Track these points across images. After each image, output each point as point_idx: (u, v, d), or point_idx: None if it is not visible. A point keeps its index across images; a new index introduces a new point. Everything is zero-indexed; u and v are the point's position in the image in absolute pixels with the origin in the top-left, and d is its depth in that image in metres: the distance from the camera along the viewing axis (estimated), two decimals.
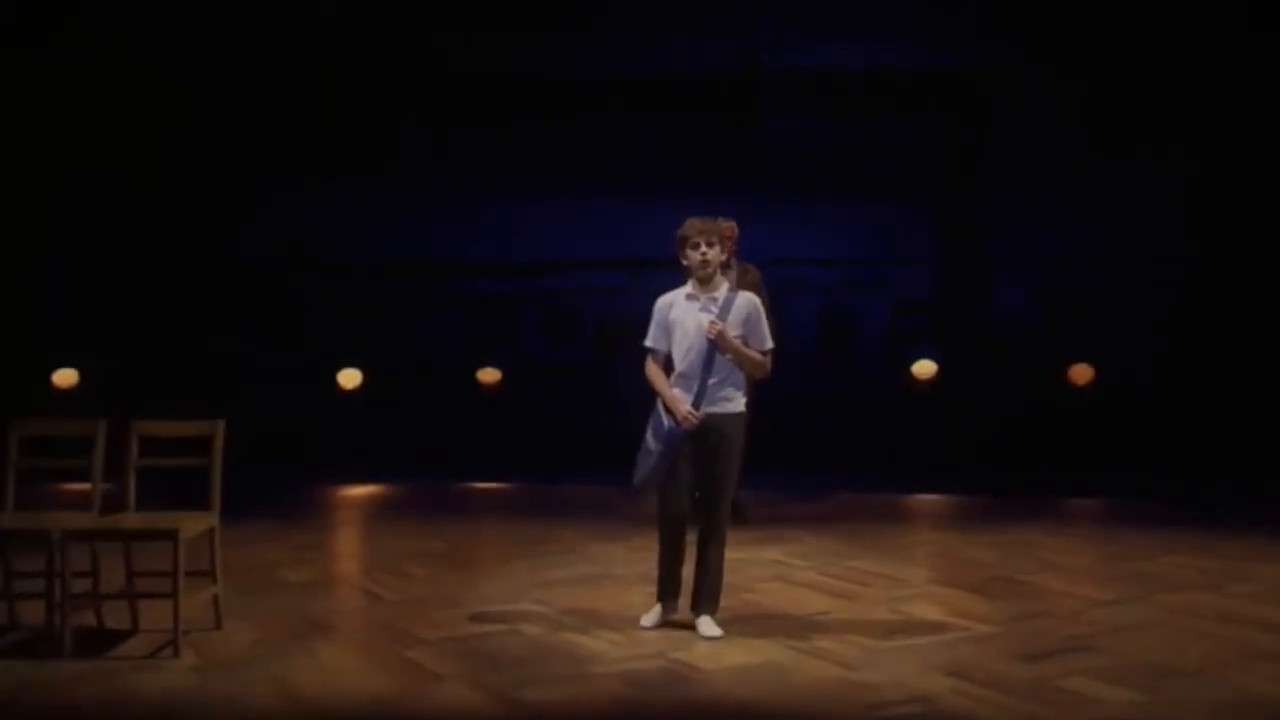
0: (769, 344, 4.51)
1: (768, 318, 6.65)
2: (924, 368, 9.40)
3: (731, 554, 5.64)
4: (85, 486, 4.66)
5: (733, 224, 6.71)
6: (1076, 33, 8.71)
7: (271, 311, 9.60)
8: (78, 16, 8.40)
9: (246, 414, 8.50)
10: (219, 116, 8.93)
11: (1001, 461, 8.73)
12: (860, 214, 9.41)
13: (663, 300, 4.56)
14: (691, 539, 4.58)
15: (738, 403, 4.49)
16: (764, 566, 5.74)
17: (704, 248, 4.44)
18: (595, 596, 5.14)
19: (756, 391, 6.58)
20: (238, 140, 8.94)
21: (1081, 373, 9.20)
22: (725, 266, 6.57)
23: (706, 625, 4.53)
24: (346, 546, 6.73)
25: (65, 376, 9.34)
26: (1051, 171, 9.01)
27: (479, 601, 5.08)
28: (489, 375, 9.79)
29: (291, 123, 9.04)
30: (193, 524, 4.46)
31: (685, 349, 4.46)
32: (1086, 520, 7.29)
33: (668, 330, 4.50)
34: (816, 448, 8.81)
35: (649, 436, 4.43)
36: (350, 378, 9.67)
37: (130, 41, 8.49)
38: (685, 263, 4.49)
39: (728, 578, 5.18)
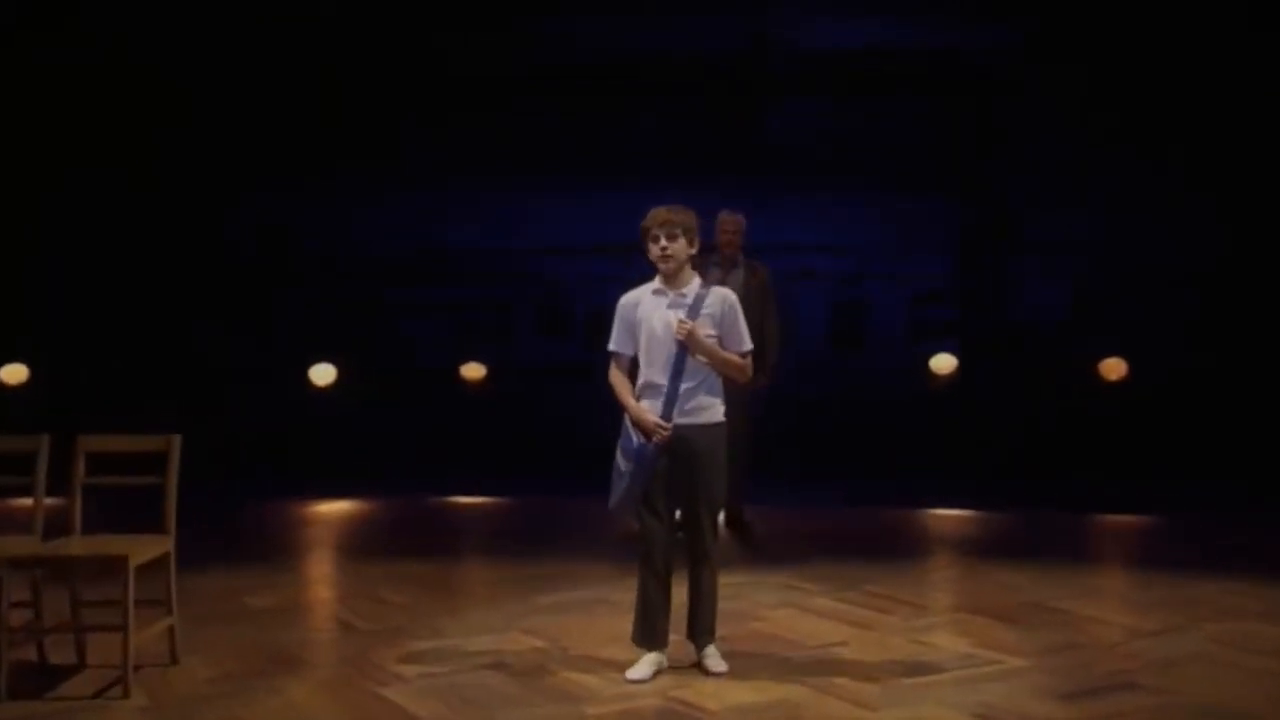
0: (747, 345, 4.38)
1: (774, 319, 6.73)
2: (943, 363, 9.32)
3: (738, 577, 5.74)
4: (28, 502, 4.54)
5: (739, 218, 6.66)
6: (1111, 11, 8.65)
7: (243, 307, 9.55)
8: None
9: (212, 419, 8.51)
10: (211, 108, 9.08)
11: (1029, 470, 8.67)
12: (875, 203, 9.33)
13: (627, 298, 4.40)
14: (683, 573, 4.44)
15: (714, 411, 4.34)
16: (773, 591, 5.64)
17: (664, 241, 4.27)
18: (589, 625, 5.05)
19: (762, 394, 6.59)
20: (226, 131, 9.07)
21: (1113, 367, 9.11)
22: (732, 264, 6.61)
23: (710, 658, 4.41)
24: (318, 570, 6.61)
25: (14, 373, 9.26)
26: (1080, 160, 8.96)
27: (462, 631, 4.99)
28: (473, 372, 9.70)
29: (278, 111, 9.10)
30: (145, 548, 4.34)
31: (653, 352, 4.30)
32: (1123, 538, 7.21)
33: (633, 331, 4.35)
34: (828, 454, 8.75)
35: (619, 456, 4.29)
36: (323, 374, 9.56)
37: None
38: (650, 257, 4.35)
39: (733, 604, 5.18)
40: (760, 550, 6.57)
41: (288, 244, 9.60)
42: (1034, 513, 7.69)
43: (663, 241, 4.27)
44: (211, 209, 9.32)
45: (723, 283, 6.44)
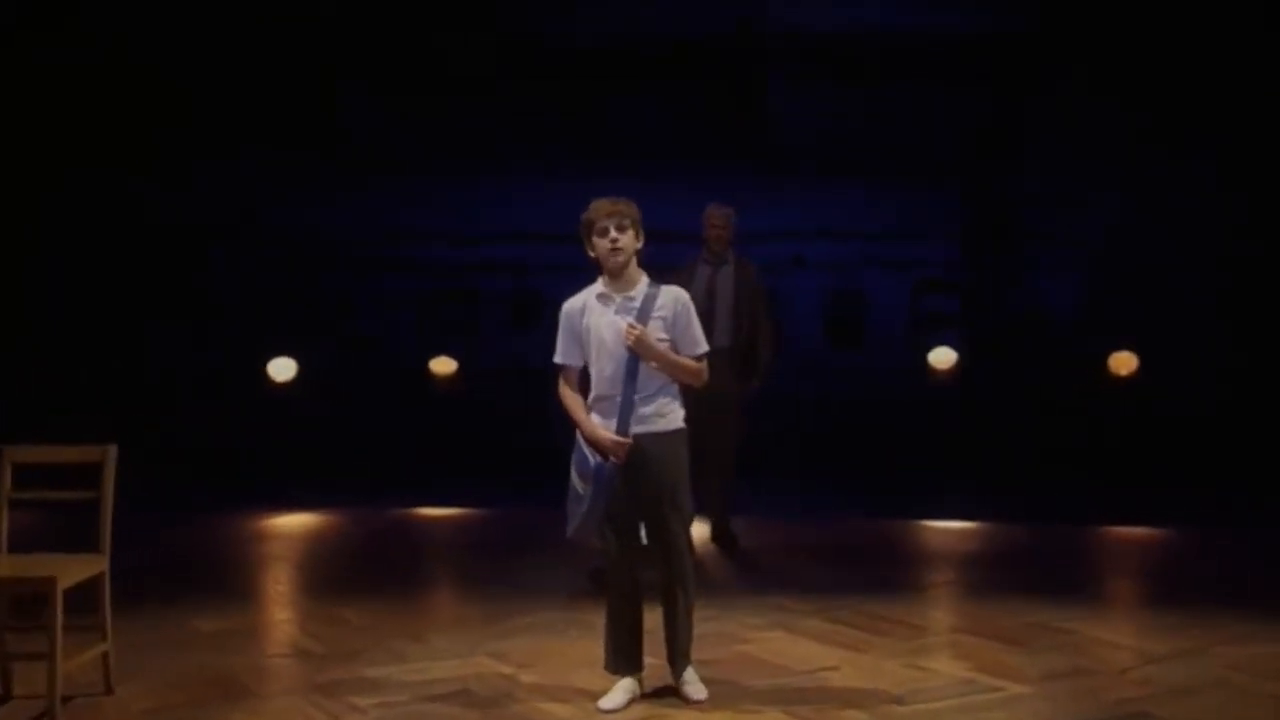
0: (702, 347, 4.27)
1: (767, 318, 6.65)
2: (942, 357, 9.25)
3: (723, 595, 5.68)
4: None
5: (728, 211, 6.63)
6: None
7: (197, 301, 9.50)
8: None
9: (158, 423, 8.41)
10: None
11: (1034, 476, 8.64)
12: (876, 190, 9.33)
13: (570, 305, 4.27)
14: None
15: (673, 418, 4.23)
16: (760, 610, 5.56)
17: (614, 232, 4.14)
18: (561, 648, 4.97)
19: (752, 397, 6.50)
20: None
21: (1123, 362, 9.06)
22: (721, 260, 6.57)
23: (689, 684, 4.31)
24: (272, 589, 6.45)
25: None
26: (1090, 147, 8.94)
27: (425, 656, 4.90)
28: (443, 366, 9.57)
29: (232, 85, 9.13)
30: (77, 569, 4.21)
31: (603, 362, 4.18)
32: (1136, 553, 7.13)
33: (580, 340, 4.23)
34: (822, 460, 8.71)
35: (574, 478, 4.17)
36: (282, 370, 9.41)
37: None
38: (592, 254, 4.21)
39: (717, 625, 5.14)
40: (747, 565, 6.50)
41: (243, 232, 9.57)
42: (1040, 525, 7.62)
43: (612, 233, 4.14)
44: (163, 195, 9.31)
45: (713, 280, 6.52)
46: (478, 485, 8.76)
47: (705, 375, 4.29)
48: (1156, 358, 9.00)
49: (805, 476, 8.59)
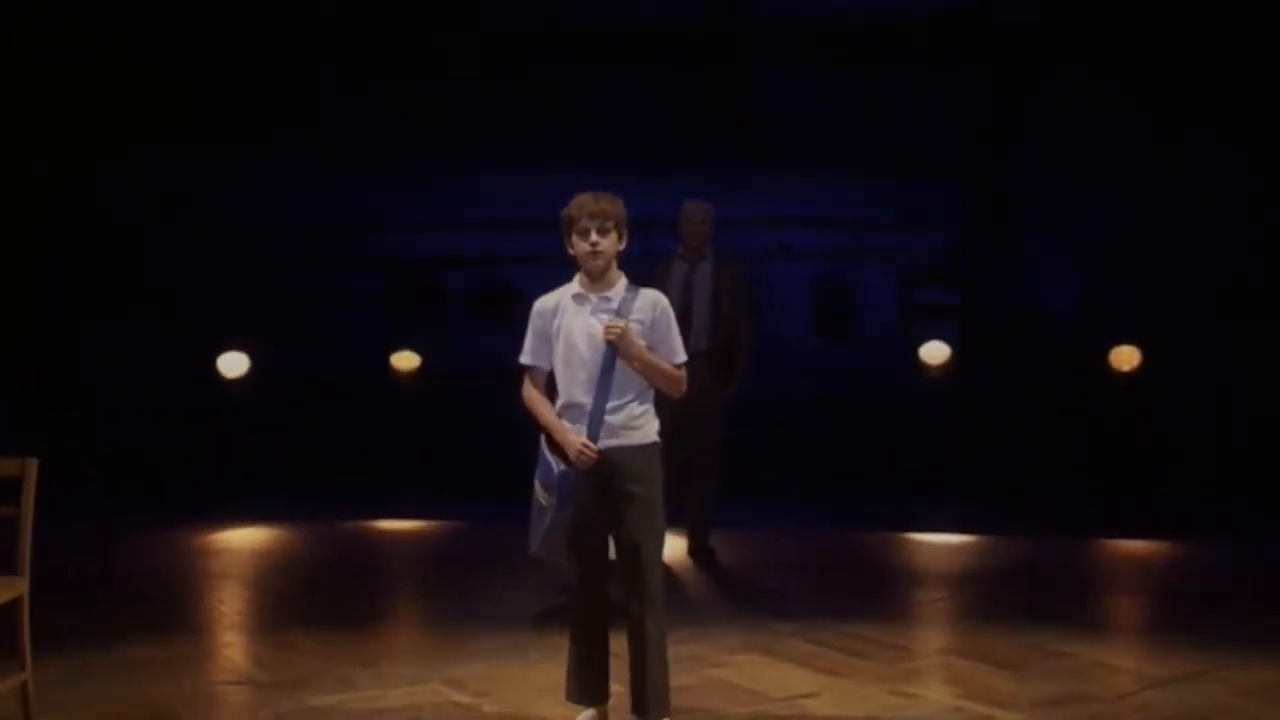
0: (680, 356, 4.20)
1: (748, 320, 6.63)
2: (935, 352, 9.18)
3: (697, 615, 5.61)
4: None
5: (707, 206, 6.63)
6: None
7: (135, 289, 9.39)
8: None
9: (90, 430, 8.28)
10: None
11: (1031, 482, 8.62)
12: (868, 177, 9.30)
13: (542, 303, 4.20)
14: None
15: (647, 430, 4.15)
16: (736, 632, 5.51)
17: (595, 235, 4.06)
18: (522, 674, 4.90)
19: (730, 404, 6.44)
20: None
21: (1125, 357, 9.00)
22: (699, 257, 6.55)
23: None
24: (214, 611, 6.32)
25: None
26: (1093, 135, 8.92)
27: (376, 683, 4.82)
28: (406, 362, 9.46)
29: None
30: None
31: (573, 366, 4.10)
32: (1139, 567, 7.12)
33: (550, 341, 4.16)
34: (806, 466, 8.67)
35: (537, 489, 4.10)
36: (233, 365, 9.25)
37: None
38: (571, 251, 4.14)
39: (690, 648, 5.08)
40: (724, 582, 6.45)
41: (190, 219, 9.49)
42: (1037, 537, 7.60)
43: (593, 235, 4.05)
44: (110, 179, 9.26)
45: (689, 278, 6.49)
46: (443, 495, 8.68)
47: (683, 385, 4.22)
48: (1159, 353, 8.95)
49: (788, 484, 8.53)
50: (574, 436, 4.04)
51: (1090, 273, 9.29)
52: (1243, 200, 8.75)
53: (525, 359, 4.19)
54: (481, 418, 9.06)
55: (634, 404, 4.11)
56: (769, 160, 9.06)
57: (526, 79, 9.41)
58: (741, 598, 6.13)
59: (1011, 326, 9.43)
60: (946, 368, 9.14)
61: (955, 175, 9.49)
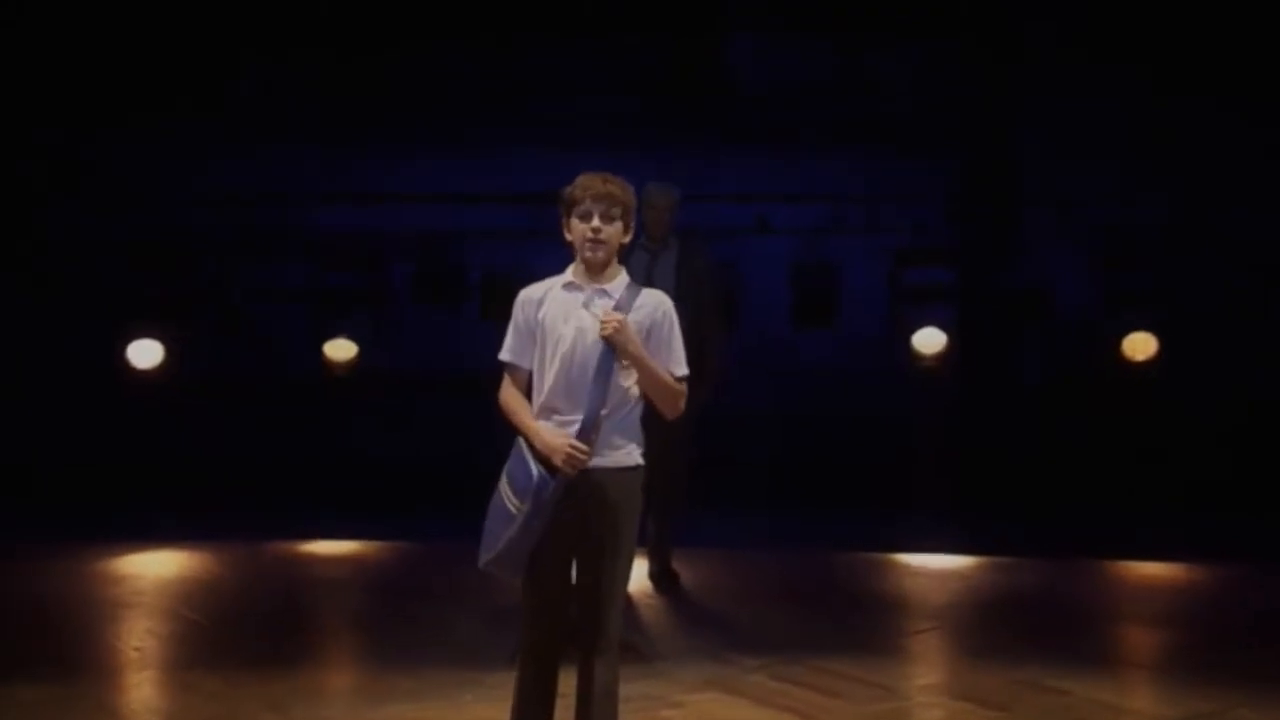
0: (683, 368, 4.06)
1: (716, 316, 6.53)
2: (929, 341, 9.04)
3: (653, 647, 5.58)
4: None
5: (672, 191, 6.57)
6: None
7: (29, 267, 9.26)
8: None
9: None
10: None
11: (1031, 495, 8.54)
12: (851, 148, 9.26)
13: (527, 293, 4.04)
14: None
15: (631, 452, 4.01)
16: (695, 665, 5.48)
17: (598, 220, 3.93)
18: (453, 716, 4.92)
19: (696, 414, 6.33)
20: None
21: (1140, 345, 8.93)
22: (662, 245, 6.50)
23: None
24: (112, 645, 6.19)
25: None
26: (1096, 100, 8.89)
27: None
28: (340, 351, 9.25)
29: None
30: None
31: (558, 366, 3.94)
32: (1149, 593, 7.09)
33: (534, 336, 4.01)
34: (781, 471, 8.63)
35: (505, 492, 3.94)
36: (145, 354, 9.02)
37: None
38: (568, 236, 4.01)
39: (641, 686, 5.01)
40: (685, 608, 6.43)
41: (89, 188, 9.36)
42: (1037, 558, 7.57)
43: (595, 221, 3.92)
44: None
45: (651, 269, 6.38)
46: (378, 513, 8.61)
47: (682, 402, 4.08)
48: (1178, 341, 8.92)
49: (760, 497, 8.49)
50: (559, 438, 3.88)
51: (1098, 251, 9.22)
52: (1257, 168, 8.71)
53: (505, 356, 4.03)
54: (425, 421, 9.18)
55: (622, 417, 3.97)
56: (743, 134, 9.04)
57: (478, 44, 9.39)
58: (703, 627, 6.10)
59: (1013, 310, 9.37)
60: (942, 358, 9.04)
61: (944, 147, 9.42)
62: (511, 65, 9.45)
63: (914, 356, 9.04)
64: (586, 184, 3.94)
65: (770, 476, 8.57)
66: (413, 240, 9.58)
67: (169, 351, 9.04)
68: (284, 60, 9.35)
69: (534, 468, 3.85)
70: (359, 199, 9.53)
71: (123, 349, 9.00)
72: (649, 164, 6.70)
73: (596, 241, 3.92)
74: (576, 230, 3.95)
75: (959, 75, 9.43)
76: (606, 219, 3.92)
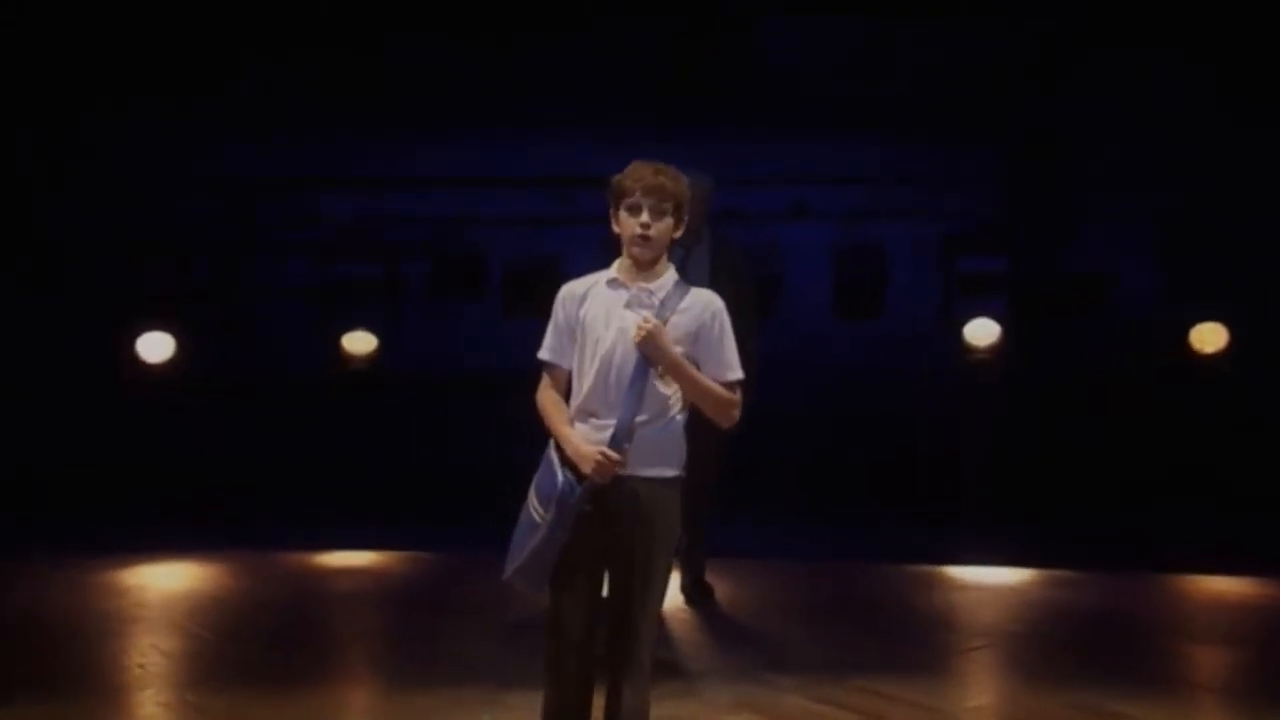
0: (734, 373, 4.00)
1: (752, 316, 6.42)
2: (981, 333, 9.02)
3: (685, 665, 5.63)
4: None
5: (706, 181, 6.44)
6: None
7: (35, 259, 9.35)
8: None
9: None
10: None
11: (1097, 495, 8.50)
12: (894, 129, 9.20)
13: (569, 289, 4.03)
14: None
15: (672, 459, 3.98)
16: (729, 685, 5.46)
17: (647, 215, 3.90)
18: None
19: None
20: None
21: (1209, 336, 8.90)
22: (696, 239, 6.42)
23: None
24: (115, 663, 6.14)
25: None
26: (1157, 77, 8.84)
27: None
28: (360, 344, 9.29)
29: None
30: None
31: (599, 364, 3.92)
32: (1215, 607, 6.99)
33: (574, 334, 3.99)
34: (822, 476, 8.65)
35: (531, 501, 3.92)
36: (156, 348, 9.08)
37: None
38: (616, 229, 3.99)
39: (671, 708, 4.97)
40: (719, 625, 6.39)
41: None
42: (1102, 570, 7.47)
43: (645, 215, 3.88)
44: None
45: (684, 265, 6.22)
46: (400, 517, 8.64)
47: (736, 412, 4.02)
48: (1251, 333, 8.88)
49: (797, 503, 8.51)
50: (588, 446, 3.85)
51: (1162, 236, 9.15)
52: None
53: (544, 354, 4.01)
54: (447, 421, 9.26)
55: (662, 425, 3.92)
56: (772, 120, 8.99)
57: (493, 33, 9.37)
58: (736, 644, 6.09)
59: (1070, 300, 9.33)
60: (995, 350, 9.01)
61: (992, 128, 9.38)
62: (525, 50, 9.45)
63: (965, 349, 8.98)
64: (637, 173, 3.92)
65: (808, 481, 8.59)
66: (427, 229, 9.66)
67: (180, 346, 9.10)
68: (284, 59, 9.35)
69: (560, 474, 3.84)
70: (371, 186, 9.57)
71: (126, 347, 9.06)
72: (677, 148, 6.68)
73: (645, 238, 3.90)
74: (625, 224, 3.93)
75: (1003, 49, 9.31)
76: (657, 214, 3.89)
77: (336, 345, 9.33)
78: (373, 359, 9.36)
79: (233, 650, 6.08)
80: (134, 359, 9.12)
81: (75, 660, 5.99)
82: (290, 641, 6.28)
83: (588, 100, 9.06)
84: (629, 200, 3.90)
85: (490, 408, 7.95)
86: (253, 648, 6.13)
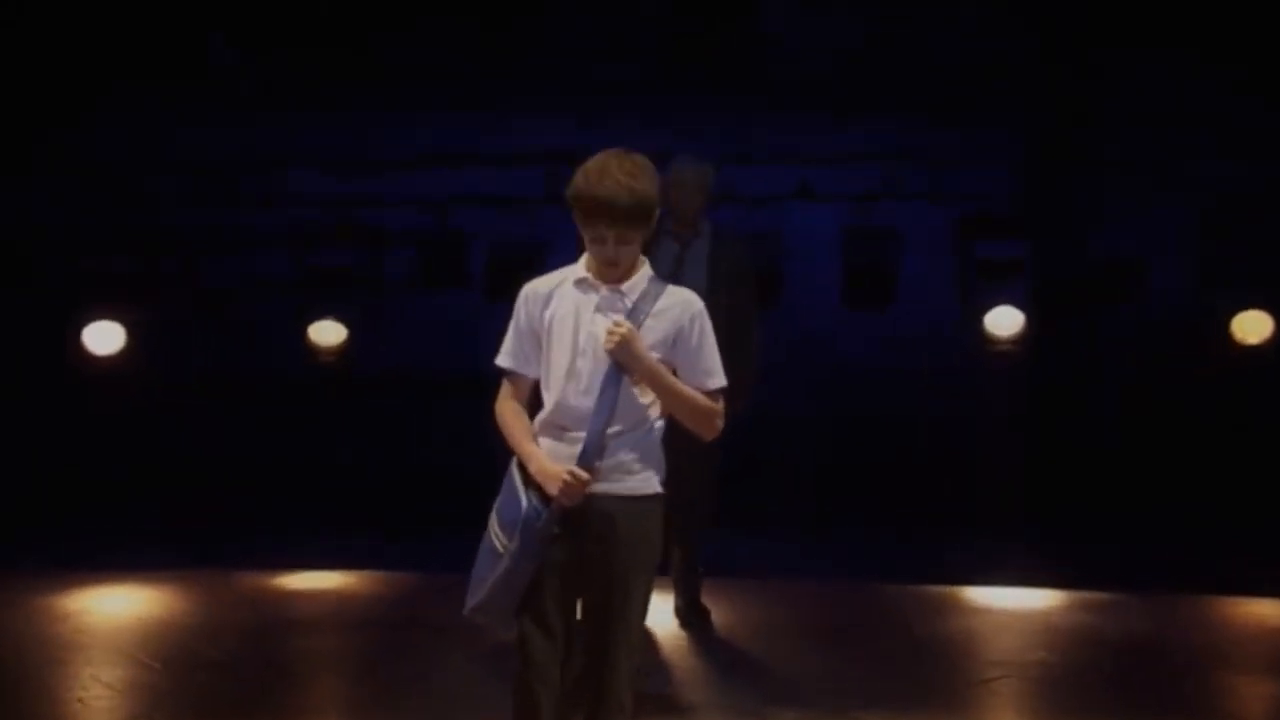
0: (716, 380, 3.90)
1: (754, 320, 6.45)
2: (1003, 323, 8.89)
3: (677, 697, 5.62)
4: None
5: (704, 168, 6.50)
6: None
7: None
8: None
9: None
10: None
11: (1132, 503, 8.46)
12: (908, 111, 9.19)
13: (532, 288, 3.92)
14: None
15: (647, 479, 3.87)
16: (725, 718, 5.49)
17: (612, 246, 3.77)
18: None
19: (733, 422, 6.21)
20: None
21: (1251, 325, 8.79)
22: (693, 232, 6.41)
23: None
24: (52, 696, 6.06)
25: None
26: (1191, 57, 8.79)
27: None
28: (327, 335, 9.19)
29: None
30: None
31: (566, 370, 3.83)
32: (1260, 633, 6.95)
33: (538, 338, 3.88)
34: (829, 485, 8.64)
35: (493, 527, 3.83)
36: (104, 338, 8.95)
37: None
38: (580, 230, 3.89)
39: None
40: (716, 651, 6.37)
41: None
42: (1136, 592, 7.43)
43: (610, 249, 3.75)
44: None
45: (680, 261, 6.32)
46: (361, 534, 8.57)
47: (718, 421, 3.93)
48: None
49: (801, 515, 8.48)
50: (554, 464, 3.77)
51: (1197, 219, 9.10)
52: None
53: (503, 361, 3.93)
54: (425, 422, 9.29)
55: (637, 438, 3.84)
56: (781, 98, 9.01)
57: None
58: (733, 674, 6.07)
59: (1098, 288, 9.29)
60: (1019, 341, 8.92)
61: (1013, 105, 9.37)
62: (519, 25, 9.48)
63: (987, 340, 8.90)
64: (597, 192, 3.72)
65: (813, 490, 8.60)
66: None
67: (130, 335, 8.99)
68: (259, 41, 9.46)
69: (524, 497, 3.75)
70: (344, 166, 9.57)
71: (72, 340, 8.94)
72: (670, 128, 6.59)
73: (610, 264, 3.80)
74: (587, 244, 3.83)
75: (1030, 24, 9.30)
76: (624, 241, 3.78)
77: (303, 337, 9.27)
78: (342, 351, 9.24)
79: (182, 682, 6.04)
80: (80, 351, 8.98)
81: (5, 694, 5.94)
82: (248, 671, 6.25)
83: (581, 77, 9.10)
84: (592, 232, 3.78)
85: (481, 406, 7.91)
86: (204, 680, 6.08)
